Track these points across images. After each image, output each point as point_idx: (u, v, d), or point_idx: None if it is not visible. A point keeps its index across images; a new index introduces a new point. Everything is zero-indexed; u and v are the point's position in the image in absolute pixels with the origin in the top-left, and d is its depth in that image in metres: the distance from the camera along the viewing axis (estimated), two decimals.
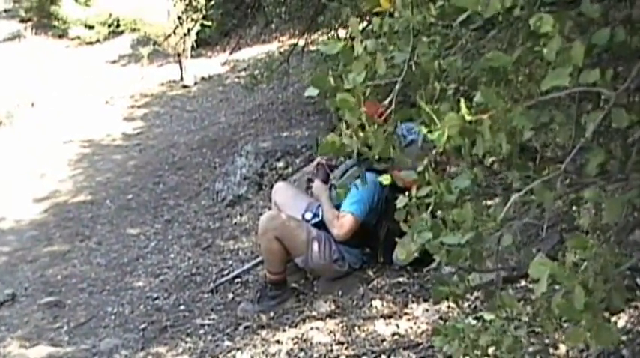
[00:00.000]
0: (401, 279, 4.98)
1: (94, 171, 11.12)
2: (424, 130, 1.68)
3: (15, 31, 20.24)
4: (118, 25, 17.25)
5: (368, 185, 4.80)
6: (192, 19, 12.25)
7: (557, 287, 1.81)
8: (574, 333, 1.80)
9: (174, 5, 13.17)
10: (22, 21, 20.89)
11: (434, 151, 1.85)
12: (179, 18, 13.20)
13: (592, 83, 1.58)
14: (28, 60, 17.56)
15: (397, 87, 1.86)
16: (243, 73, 13.54)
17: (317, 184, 5.47)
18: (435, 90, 1.95)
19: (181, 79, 14.47)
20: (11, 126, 13.87)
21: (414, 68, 1.90)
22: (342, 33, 9.45)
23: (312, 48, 10.59)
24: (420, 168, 2.19)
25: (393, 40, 1.85)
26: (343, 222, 5.09)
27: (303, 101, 10.76)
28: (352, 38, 1.96)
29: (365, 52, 1.85)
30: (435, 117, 1.62)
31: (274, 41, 14.51)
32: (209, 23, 13.56)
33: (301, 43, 10.81)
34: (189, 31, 13.67)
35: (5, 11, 21.86)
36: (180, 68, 14.49)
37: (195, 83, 14.35)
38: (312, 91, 2.02)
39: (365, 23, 6.54)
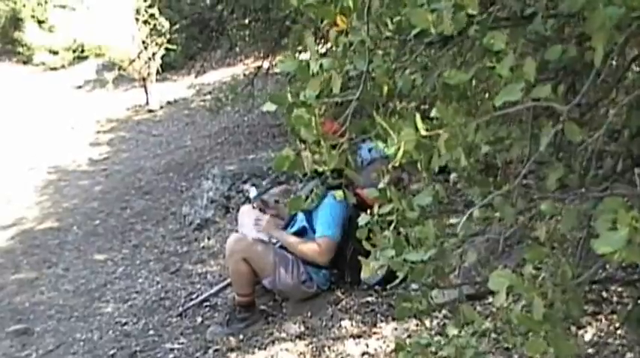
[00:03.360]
0: (369, 299, 4.98)
1: (60, 197, 11.04)
2: (380, 144, 1.70)
3: None
4: (83, 51, 17.17)
5: (337, 205, 4.82)
6: (157, 44, 12.25)
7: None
8: (534, 344, 1.81)
9: (139, 29, 13.19)
10: None
11: (390, 165, 1.86)
12: (144, 42, 13.21)
13: (544, 98, 1.60)
14: None
15: (353, 103, 1.87)
16: (208, 96, 13.53)
17: (268, 219, 5.47)
18: (390, 104, 1.97)
19: (147, 103, 14.44)
20: None
21: (369, 84, 1.92)
22: (305, 55, 9.50)
23: (276, 70, 10.63)
24: (380, 186, 2.21)
25: (348, 56, 1.87)
26: (323, 249, 5.09)
27: (269, 123, 10.78)
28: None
29: (320, 69, 1.86)
30: (390, 131, 1.64)
31: (239, 64, 14.54)
32: (174, 47, 13.55)
33: (266, 65, 10.86)
34: (154, 55, 13.67)
35: None
36: (146, 92, 14.46)
37: (161, 107, 14.32)
38: (270, 106, 2.03)
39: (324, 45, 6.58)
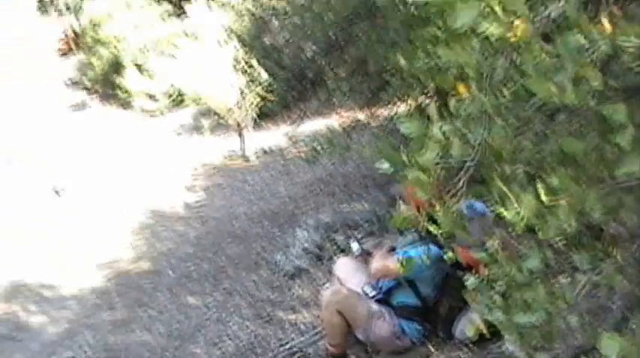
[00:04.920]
0: (461, 355, 4.96)
1: (156, 241, 11.27)
2: (500, 209, 1.73)
3: (80, 100, 20.80)
4: (181, 97, 17.55)
5: (431, 258, 4.85)
6: (255, 93, 12.47)
7: None
8: None
9: (237, 78, 13.47)
10: (87, 91, 21.49)
11: (508, 230, 1.90)
12: (241, 91, 13.48)
13: None
14: (93, 129, 17.99)
15: (470, 168, 1.92)
16: (304, 146, 13.66)
17: (379, 253, 5.54)
18: (507, 170, 2.00)
19: (243, 151, 14.65)
20: (76, 195, 14.13)
21: (486, 150, 1.96)
22: (402, 108, 9.57)
23: (372, 123, 10.70)
24: (488, 247, 2.24)
25: (467, 123, 1.92)
26: (386, 261, 5.17)
27: (363, 174, 10.84)
28: (427, 118, 2.03)
29: (440, 131, 1.92)
30: (511, 197, 1.68)
31: (335, 114, 14.65)
32: (270, 96, 13.76)
33: (362, 116, 10.93)
34: (251, 103, 13.92)
35: (71, 80, 22.47)
36: (242, 140, 14.68)
37: (257, 155, 14.51)
38: (384, 165, 2.09)
39: (430, 100, 6.63)
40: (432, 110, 1.99)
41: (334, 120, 13.99)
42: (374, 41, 8.75)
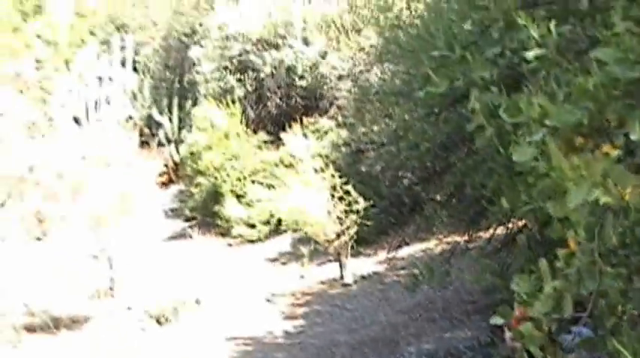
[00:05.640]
0: None
1: None
2: None
3: (180, 229, 21.27)
4: (279, 224, 17.77)
5: None
6: (353, 220, 12.59)
7: None
8: None
9: (335, 205, 13.64)
10: (187, 220, 21.98)
11: None
12: (339, 218, 13.62)
13: None
14: (192, 258, 18.30)
15: (583, 319, 1.92)
16: (402, 271, 13.66)
17: None
18: (619, 320, 1.99)
19: (341, 277, 14.70)
20: (177, 323, 14.30)
21: (597, 301, 1.96)
22: (500, 230, 9.55)
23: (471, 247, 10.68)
24: None
25: (579, 277, 1.93)
26: None
27: (464, 299, 10.75)
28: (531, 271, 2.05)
29: (551, 286, 1.93)
30: (627, 355, 1.67)
31: (433, 239, 14.64)
32: (368, 222, 13.87)
33: (460, 240, 10.91)
34: (348, 230, 14.02)
35: (171, 210, 23.06)
36: (340, 266, 14.74)
37: (355, 281, 14.53)
38: (497, 320, 2.10)
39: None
40: (544, 269, 2.00)
41: (432, 245, 14.00)
42: (470, 167, 8.80)
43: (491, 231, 10.33)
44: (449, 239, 12.47)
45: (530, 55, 2.44)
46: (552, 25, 2.36)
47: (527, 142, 2.02)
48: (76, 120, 28.82)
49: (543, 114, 1.92)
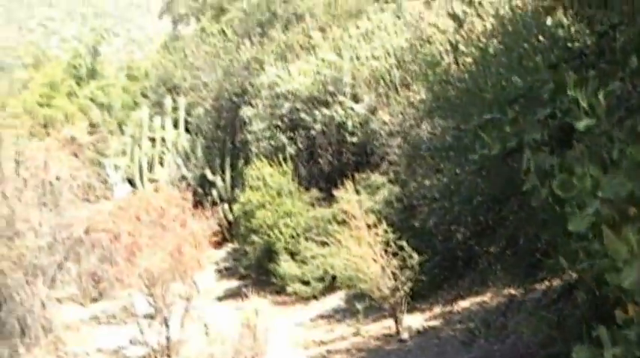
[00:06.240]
0: None
1: None
2: None
3: (235, 287, 21.36)
4: (334, 281, 17.76)
5: None
6: (408, 276, 12.56)
7: None
8: None
9: (389, 261, 13.63)
10: (241, 278, 22.09)
11: None
12: (393, 273, 13.60)
13: None
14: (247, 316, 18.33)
15: None
16: (458, 326, 13.54)
17: None
18: None
19: (397, 333, 14.61)
20: None
21: None
22: (556, 281, 9.47)
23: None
24: None
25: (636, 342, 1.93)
26: None
27: (521, 352, 10.62)
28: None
29: (611, 353, 1.93)
30: None
31: (488, 292, 14.50)
32: (423, 277, 13.82)
33: (516, 293, 10.80)
34: (403, 285, 13.98)
35: (226, 269, 23.21)
36: (396, 322, 14.67)
37: (411, 337, 14.43)
38: None
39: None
40: (603, 334, 2.01)
41: (488, 298, 13.87)
42: (523, 220, 8.76)
43: (546, 282, 10.23)
44: (504, 291, 12.35)
45: (580, 125, 2.47)
46: (601, 95, 2.40)
47: (581, 214, 2.04)
48: (130, 182, 29.38)
49: (595, 185, 1.95)
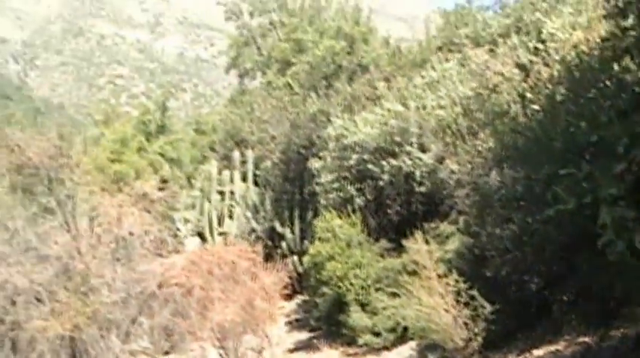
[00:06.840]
0: None
1: None
2: None
3: (306, 339, 21.38)
4: (405, 332, 17.66)
5: None
6: (480, 326, 12.50)
7: None
8: None
9: (461, 311, 13.58)
10: (312, 330, 22.08)
11: None
12: (466, 324, 13.54)
13: None
14: None
15: None
16: None
17: None
18: None
19: None
20: None
21: None
22: (631, 330, 9.35)
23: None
24: None
25: None
26: None
27: None
28: None
29: None
30: None
31: (562, 340, 14.31)
32: (495, 327, 13.71)
33: (591, 341, 10.67)
34: (476, 335, 13.89)
35: (297, 321, 23.25)
36: None
37: None
38: None
39: None
40: None
41: (562, 347, 13.68)
42: (596, 267, 8.69)
43: (622, 330, 10.10)
44: (579, 340, 12.19)
45: None
46: None
47: None
48: (200, 235, 29.70)
49: None
